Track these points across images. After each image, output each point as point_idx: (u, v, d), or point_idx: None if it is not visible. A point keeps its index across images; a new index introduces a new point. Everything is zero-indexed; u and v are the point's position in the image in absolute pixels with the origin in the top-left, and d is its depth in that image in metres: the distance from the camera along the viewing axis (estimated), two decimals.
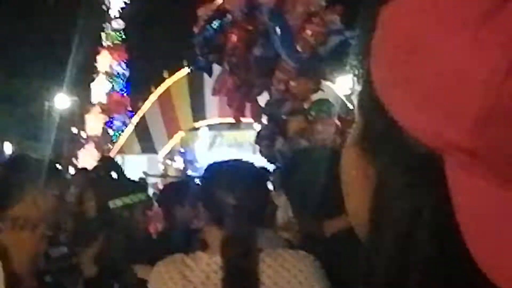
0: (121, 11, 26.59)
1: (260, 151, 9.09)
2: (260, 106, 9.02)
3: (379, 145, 0.64)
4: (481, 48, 0.52)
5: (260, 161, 9.96)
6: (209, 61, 9.32)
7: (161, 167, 19.93)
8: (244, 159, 2.90)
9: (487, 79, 0.51)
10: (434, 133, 0.55)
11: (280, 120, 8.71)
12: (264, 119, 9.13)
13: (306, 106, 8.66)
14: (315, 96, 8.75)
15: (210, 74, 9.59)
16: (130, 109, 24.32)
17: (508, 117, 0.51)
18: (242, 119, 10.90)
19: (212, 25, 8.84)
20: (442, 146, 0.55)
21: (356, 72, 0.67)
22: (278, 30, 8.16)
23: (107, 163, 9.70)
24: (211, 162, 2.93)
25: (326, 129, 8.30)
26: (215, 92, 9.75)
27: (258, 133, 9.21)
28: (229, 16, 8.67)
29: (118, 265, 3.88)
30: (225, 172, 2.74)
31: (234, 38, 8.55)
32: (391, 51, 0.59)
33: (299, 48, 8.17)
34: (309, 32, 8.20)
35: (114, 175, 6.30)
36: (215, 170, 2.87)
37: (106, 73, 25.20)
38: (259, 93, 8.90)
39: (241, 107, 9.26)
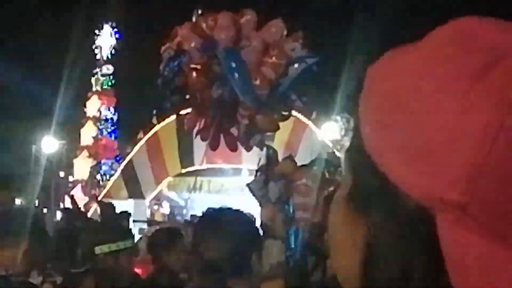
0: (110, 56, 26.76)
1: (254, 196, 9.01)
2: (234, 136, 9.01)
3: (371, 202, 0.64)
4: (473, 107, 0.53)
5: (248, 207, 9.95)
6: (173, 102, 9.31)
7: (148, 212, 19.84)
8: (233, 209, 2.86)
9: (479, 137, 0.52)
10: (426, 189, 0.56)
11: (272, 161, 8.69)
12: (253, 166, 9.14)
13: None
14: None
15: (175, 115, 9.59)
16: (118, 153, 24.30)
17: (498, 175, 0.52)
18: (229, 165, 10.87)
19: (171, 65, 8.83)
20: (433, 202, 0.56)
21: (344, 126, 0.68)
22: (233, 69, 8.17)
23: (107, 208, 9.68)
24: (202, 212, 2.90)
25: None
26: (188, 129, 9.76)
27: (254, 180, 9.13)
28: (188, 56, 8.68)
29: None
30: (210, 227, 2.71)
31: (192, 78, 8.56)
32: (381, 109, 0.61)
33: (258, 84, 8.19)
34: (267, 66, 8.23)
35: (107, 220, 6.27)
36: (202, 224, 2.85)
37: (95, 117, 25.21)
38: (229, 128, 8.90)
39: (216, 138, 9.25)
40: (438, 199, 0.55)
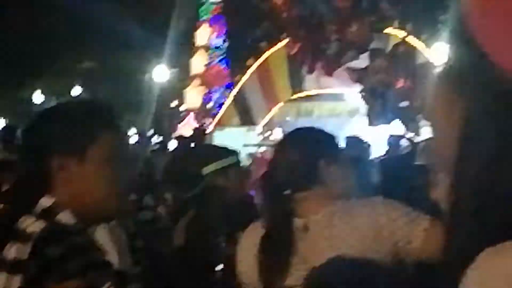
0: None
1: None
2: (330, 60, 8.99)
3: (468, 78, 0.64)
4: None
5: (357, 129, 9.92)
6: (264, 29, 9.42)
7: (260, 138, 20.02)
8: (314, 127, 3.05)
9: None
10: None
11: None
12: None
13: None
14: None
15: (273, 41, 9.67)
16: (229, 81, 24.43)
17: None
18: (338, 90, 10.73)
19: None
20: None
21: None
22: None
23: (200, 132, 9.89)
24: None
25: None
26: (289, 55, 9.91)
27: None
28: None
29: (208, 235, 3.88)
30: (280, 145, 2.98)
31: (276, 1, 8.62)
32: None
33: None
34: None
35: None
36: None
37: (205, 46, 25.35)
38: (324, 48, 8.85)
39: (312, 62, 9.26)
40: None
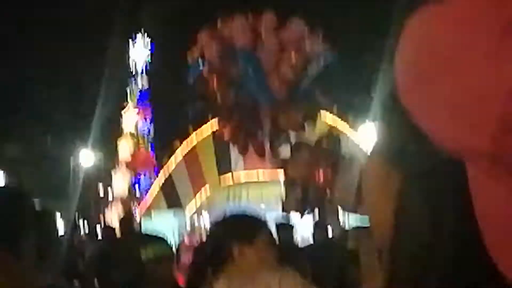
0: (145, 68, 26.85)
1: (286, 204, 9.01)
2: (260, 140, 9.03)
3: (405, 154, 0.66)
4: (504, 58, 0.54)
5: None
6: (198, 110, 9.44)
7: (188, 222, 19.94)
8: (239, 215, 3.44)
9: (510, 90, 0.53)
10: (458, 140, 0.57)
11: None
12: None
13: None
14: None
15: (199, 123, 9.71)
16: (155, 165, 24.36)
17: None
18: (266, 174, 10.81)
19: (192, 72, 8.92)
20: (464, 153, 0.58)
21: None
22: (250, 72, 8.13)
23: (127, 221, 9.83)
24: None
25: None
26: (216, 138, 9.96)
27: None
28: (208, 63, 8.69)
29: None
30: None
31: (212, 84, 8.61)
32: (417, 62, 0.60)
33: (275, 85, 8.13)
34: (285, 66, 8.16)
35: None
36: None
37: (131, 131, 25.34)
38: (255, 131, 8.91)
39: (244, 143, 9.28)
40: (469, 149, 0.56)
